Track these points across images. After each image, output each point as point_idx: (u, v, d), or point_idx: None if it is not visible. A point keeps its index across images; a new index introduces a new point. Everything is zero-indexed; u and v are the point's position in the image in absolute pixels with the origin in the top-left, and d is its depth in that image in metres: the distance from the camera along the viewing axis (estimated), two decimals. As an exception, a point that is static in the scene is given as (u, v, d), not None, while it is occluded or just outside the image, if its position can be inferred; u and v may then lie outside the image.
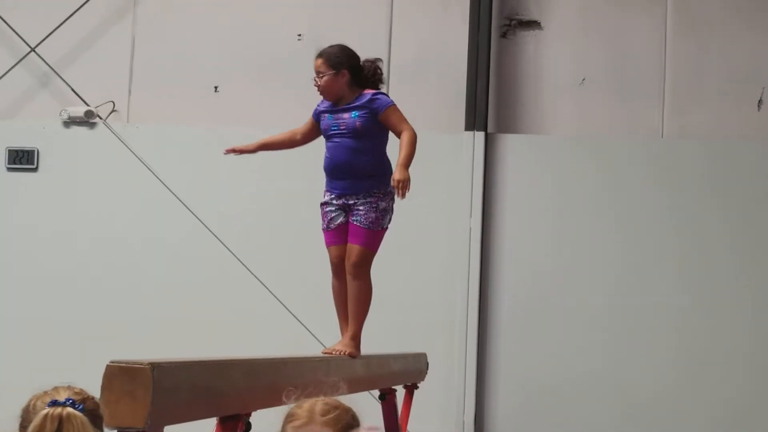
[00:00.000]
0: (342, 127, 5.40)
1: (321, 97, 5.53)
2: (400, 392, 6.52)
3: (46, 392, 2.92)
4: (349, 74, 5.42)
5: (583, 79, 8.77)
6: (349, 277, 5.42)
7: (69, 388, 2.90)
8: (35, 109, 9.04)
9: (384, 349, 7.01)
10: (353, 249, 5.38)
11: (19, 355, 8.64)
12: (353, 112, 5.40)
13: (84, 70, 9.03)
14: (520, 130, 8.75)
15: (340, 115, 5.43)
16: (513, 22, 8.87)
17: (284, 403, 3.22)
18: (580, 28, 8.81)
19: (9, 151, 8.90)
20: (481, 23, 8.66)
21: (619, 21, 8.79)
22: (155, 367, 2.81)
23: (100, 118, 8.94)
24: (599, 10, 8.81)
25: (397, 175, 5.23)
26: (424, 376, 6.94)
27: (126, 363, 2.78)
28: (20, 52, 9.00)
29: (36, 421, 2.51)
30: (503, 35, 8.85)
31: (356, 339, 5.45)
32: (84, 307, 8.68)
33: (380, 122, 5.40)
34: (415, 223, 8.56)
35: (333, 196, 5.43)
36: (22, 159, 8.90)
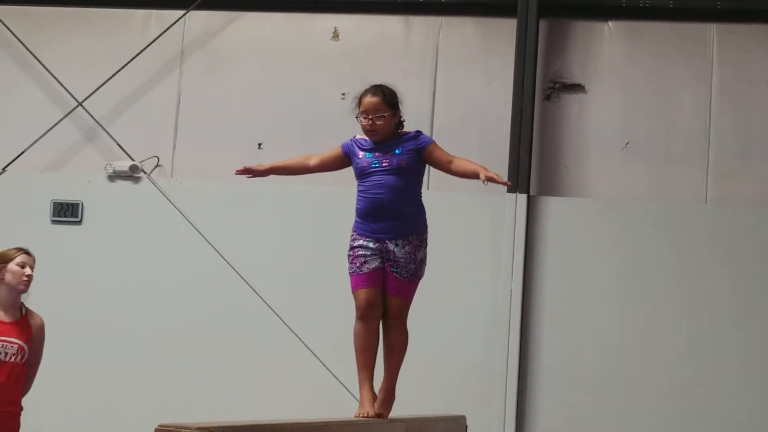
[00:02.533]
0: (384, 164, 5.24)
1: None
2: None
3: None
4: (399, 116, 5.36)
5: (627, 143, 8.76)
6: (387, 330, 5.36)
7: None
8: (81, 163, 9.13)
9: (422, 410, 6.97)
10: (394, 302, 5.32)
11: (65, 407, 8.65)
12: (397, 149, 5.27)
13: (130, 125, 9.12)
14: (563, 193, 8.74)
15: (383, 151, 5.28)
16: (557, 85, 8.89)
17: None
18: (623, 92, 8.81)
19: (54, 203, 8.98)
20: (525, 86, 8.67)
21: (663, 85, 8.79)
22: (203, 431, 2.81)
23: (145, 173, 9.01)
24: (643, 74, 8.81)
25: (488, 171, 5.09)
26: (463, 439, 6.89)
27: (174, 427, 2.78)
28: (67, 106, 9.10)
29: None
30: (547, 98, 8.87)
31: (391, 392, 5.41)
32: (125, 360, 8.70)
33: (420, 161, 5.30)
34: (456, 284, 8.54)
35: (369, 239, 5.26)
36: (67, 212, 8.98)
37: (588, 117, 8.81)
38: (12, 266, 5.92)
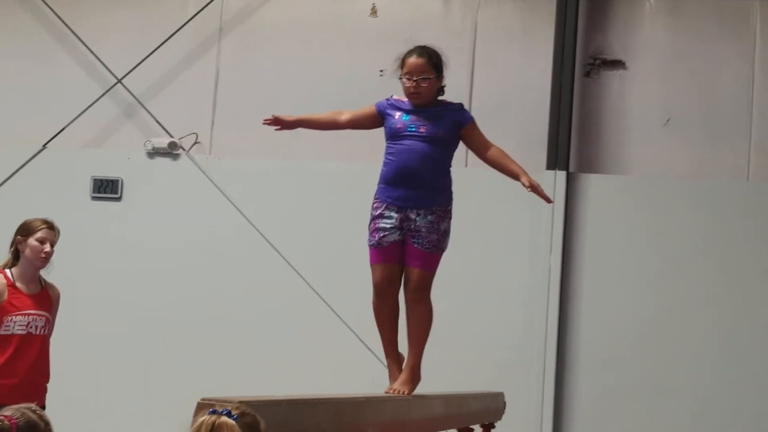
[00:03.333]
0: (421, 130, 4.99)
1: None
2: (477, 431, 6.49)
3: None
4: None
5: (668, 119, 8.70)
6: (409, 303, 5.08)
7: (237, 402, 2.98)
8: (120, 140, 9.17)
9: (461, 387, 6.98)
10: (414, 273, 5.04)
11: (108, 383, 8.72)
12: (437, 118, 5.02)
13: (168, 102, 9.15)
14: (603, 170, 8.70)
15: (422, 117, 5.02)
16: (597, 62, 8.83)
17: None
18: (664, 68, 8.74)
19: (94, 180, 9.03)
20: (565, 62, 8.63)
21: (704, 61, 8.72)
22: (244, 404, 2.81)
23: (184, 150, 9.05)
24: (685, 50, 8.75)
25: (533, 180, 4.99)
26: (501, 416, 6.89)
27: (216, 400, 2.78)
28: (107, 83, 9.14)
29: (193, 428, 2.66)
30: (587, 74, 8.82)
31: (416, 370, 5.07)
32: (162, 337, 8.76)
33: (457, 135, 5.09)
34: (496, 262, 8.54)
35: (391, 207, 5.01)
36: (107, 188, 9.03)
37: (628, 94, 8.76)
38: (32, 241, 5.90)
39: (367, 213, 7.88)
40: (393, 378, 5.11)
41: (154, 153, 9.06)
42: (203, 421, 2.64)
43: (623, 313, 8.47)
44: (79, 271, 8.87)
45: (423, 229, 4.99)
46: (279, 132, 9.10)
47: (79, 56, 9.25)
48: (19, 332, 5.80)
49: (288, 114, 5.25)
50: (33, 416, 3.25)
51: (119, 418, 8.65)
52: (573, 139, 8.69)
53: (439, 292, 8.44)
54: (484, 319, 8.52)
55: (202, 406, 2.74)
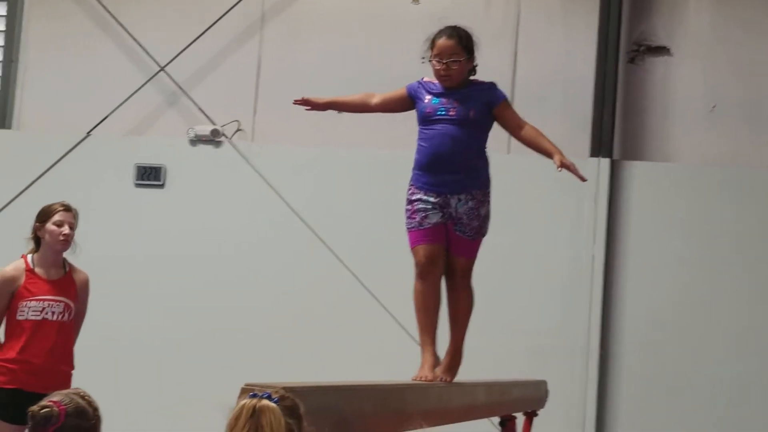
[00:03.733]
0: (452, 113, 4.85)
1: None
2: (520, 419, 6.46)
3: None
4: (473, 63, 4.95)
5: (714, 106, 8.62)
6: (452, 290, 5.02)
7: (280, 387, 2.98)
8: (163, 127, 9.21)
9: (504, 375, 6.96)
10: (458, 262, 4.97)
11: (150, 368, 8.78)
12: (468, 99, 4.88)
13: (211, 90, 9.17)
14: (647, 157, 8.63)
15: (452, 99, 4.88)
16: (641, 48, 8.76)
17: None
18: (710, 54, 8.66)
19: (138, 167, 9.07)
20: (609, 48, 8.57)
21: (751, 47, 8.62)
22: (289, 391, 2.81)
23: (226, 137, 9.07)
24: (730, 36, 8.65)
25: (566, 159, 4.83)
26: (544, 404, 6.86)
27: (260, 386, 2.78)
28: (150, 71, 9.18)
29: (234, 410, 2.65)
30: (631, 60, 8.75)
31: (458, 356, 4.98)
32: (205, 323, 8.79)
33: (490, 116, 4.94)
34: (538, 250, 8.51)
35: (429, 193, 4.87)
36: (150, 175, 9.07)
37: (673, 80, 8.68)
38: (49, 225, 5.88)
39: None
40: (422, 368, 4.92)
41: (197, 140, 9.10)
42: (244, 405, 2.64)
43: (667, 301, 8.42)
44: (122, 258, 8.93)
45: (464, 217, 4.89)
46: (321, 119, 9.10)
47: (123, 44, 9.29)
48: (33, 318, 5.79)
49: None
50: (82, 402, 3.27)
51: (162, 402, 8.69)
52: (617, 126, 8.63)
53: (481, 280, 8.40)
54: (527, 307, 8.49)
55: (245, 391, 2.75)
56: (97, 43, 9.34)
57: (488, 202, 4.98)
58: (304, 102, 5.17)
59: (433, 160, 4.86)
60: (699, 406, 8.31)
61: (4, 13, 9.49)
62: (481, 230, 4.98)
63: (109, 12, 9.24)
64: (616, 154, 8.60)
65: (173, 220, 9.01)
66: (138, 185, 9.09)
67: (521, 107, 8.55)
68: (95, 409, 3.31)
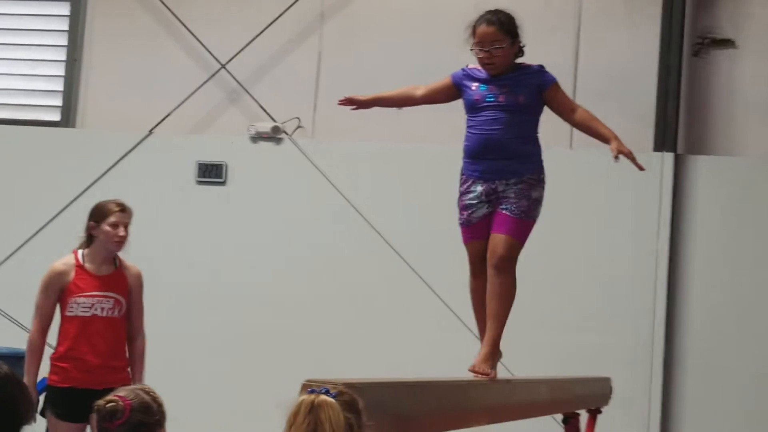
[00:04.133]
0: (500, 100, 4.72)
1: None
2: (584, 416, 6.41)
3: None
4: (519, 46, 4.80)
5: (780, 100, 8.50)
6: (492, 272, 4.68)
7: (341, 383, 2.98)
8: (224, 125, 9.25)
9: (567, 372, 6.91)
10: (500, 240, 4.67)
11: (212, 365, 8.82)
12: (516, 84, 4.75)
13: (271, 87, 9.19)
14: (712, 151, 8.53)
15: (500, 86, 4.75)
16: (706, 41, 8.65)
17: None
18: (776, 47, 8.54)
19: (199, 164, 9.12)
20: (672, 42, 8.48)
21: (818, 39, 8.49)
22: (349, 387, 2.80)
23: (286, 134, 9.09)
24: (797, 28, 8.53)
25: (624, 147, 4.68)
26: (608, 401, 6.80)
27: (321, 382, 2.77)
28: (211, 69, 9.22)
29: (293, 406, 2.67)
30: (695, 54, 8.64)
31: (495, 347, 4.67)
32: (265, 319, 8.82)
33: (540, 100, 4.80)
34: (602, 243, 8.45)
35: (477, 180, 4.77)
36: (212, 173, 9.11)
37: (739, 73, 8.56)
38: (105, 227, 5.82)
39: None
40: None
41: (258, 137, 9.12)
42: (303, 401, 2.65)
43: (732, 297, 8.32)
44: (185, 255, 8.98)
45: (512, 196, 4.69)
46: (381, 114, 9.07)
47: (184, 42, 9.34)
48: (83, 314, 5.75)
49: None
50: (146, 398, 3.30)
51: (225, 400, 8.73)
52: (681, 119, 8.54)
53: (544, 276, 8.39)
54: (591, 303, 8.43)
55: (306, 387, 2.74)
56: (158, 41, 9.40)
57: (542, 188, 4.79)
58: (348, 101, 5.10)
59: (483, 148, 4.76)
60: (765, 403, 8.20)
61: (68, 13, 9.57)
62: (529, 211, 4.72)
63: (170, 10, 9.29)
64: (680, 149, 8.51)
65: (235, 216, 9.04)
66: (199, 182, 9.13)
67: (583, 102, 8.47)
68: (159, 405, 3.34)
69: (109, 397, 3.28)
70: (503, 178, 4.72)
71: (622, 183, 8.39)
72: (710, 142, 8.58)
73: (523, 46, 4.85)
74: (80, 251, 5.88)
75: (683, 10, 8.51)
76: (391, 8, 9.15)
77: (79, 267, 5.82)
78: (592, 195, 8.53)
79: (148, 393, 3.35)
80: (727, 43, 8.61)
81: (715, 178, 8.43)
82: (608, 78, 8.68)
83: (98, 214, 5.88)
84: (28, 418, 2.92)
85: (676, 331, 8.35)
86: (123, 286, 5.88)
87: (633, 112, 8.59)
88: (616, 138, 4.74)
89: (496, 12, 4.78)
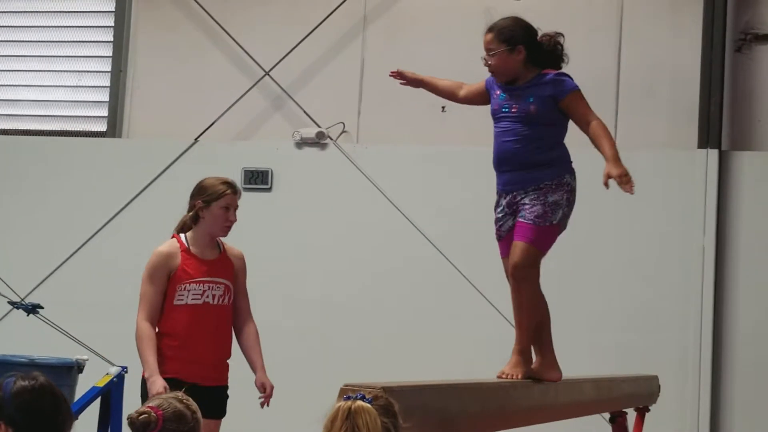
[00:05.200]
0: (513, 110, 4.70)
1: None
2: (631, 415, 6.39)
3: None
4: (526, 51, 4.72)
5: (823, 94, 8.43)
6: (511, 281, 4.69)
7: (379, 387, 3.00)
8: (269, 131, 9.30)
9: (614, 370, 6.90)
10: (515, 247, 4.62)
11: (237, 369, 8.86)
12: (530, 94, 4.68)
13: (315, 93, 9.24)
14: (757, 147, 8.47)
15: (514, 95, 4.73)
16: (748, 36, 8.59)
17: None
18: (820, 40, 8.47)
19: (245, 171, 9.18)
20: (715, 38, 8.43)
21: None
22: (387, 390, 2.83)
23: (331, 140, 9.13)
24: (841, 21, 8.45)
25: (613, 170, 4.52)
26: (656, 399, 6.79)
27: (359, 386, 2.81)
28: (255, 75, 9.28)
29: (330, 413, 2.70)
30: (738, 50, 8.58)
31: (524, 355, 4.62)
32: (312, 323, 8.85)
33: (556, 109, 4.71)
34: (647, 242, 8.42)
35: (502, 193, 4.78)
36: (257, 179, 9.17)
37: (782, 68, 8.51)
38: (215, 209, 5.35)
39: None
40: (540, 365, 4.76)
41: (302, 143, 9.17)
42: (340, 407, 2.68)
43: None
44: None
45: (527, 203, 4.64)
46: (426, 117, 9.11)
47: (228, 50, 9.42)
48: (194, 302, 5.27)
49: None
50: (179, 406, 3.26)
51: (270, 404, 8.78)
52: (725, 116, 8.48)
53: (591, 275, 8.37)
54: (637, 301, 8.39)
55: (344, 391, 2.78)
56: (202, 49, 9.48)
57: (564, 191, 4.68)
58: (398, 75, 5.19)
59: (500, 159, 4.78)
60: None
61: (112, 24, 9.68)
62: (545, 216, 4.62)
63: (213, 18, 9.37)
64: (724, 145, 8.46)
65: (281, 222, 9.09)
66: (246, 189, 9.16)
67: (627, 100, 8.59)
68: (194, 412, 3.31)
69: (141, 408, 3.25)
70: (522, 188, 4.69)
71: (667, 181, 8.36)
72: (754, 138, 8.52)
73: (559, 47, 4.81)
74: (182, 235, 5.38)
75: (725, 6, 8.46)
76: (433, 11, 9.17)
77: (185, 251, 5.32)
78: (637, 193, 8.45)
79: (181, 401, 3.31)
80: (769, 38, 8.57)
81: (759, 174, 8.37)
82: (651, 76, 8.65)
83: (208, 193, 5.39)
84: (65, 430, 2.93)
85: (724, 329, 8.30)
86: (230, 271, 5.46)
87: (677, 109, 8.56)
88: (612, 159, 4.60)
89: (503, 19, 4.83)
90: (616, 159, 4.58)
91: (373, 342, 8.72)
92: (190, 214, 5.41)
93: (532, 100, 4.68)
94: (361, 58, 9.24)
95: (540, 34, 4.82)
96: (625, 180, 4.57)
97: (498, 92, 4.82)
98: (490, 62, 4.75)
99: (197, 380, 5.15)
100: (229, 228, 5.43)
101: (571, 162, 4.78)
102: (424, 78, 5.16)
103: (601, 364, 7.55)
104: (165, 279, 5.26)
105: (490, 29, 4.78)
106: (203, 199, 5.38)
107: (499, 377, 4.52)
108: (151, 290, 5.28)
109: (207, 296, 5.32)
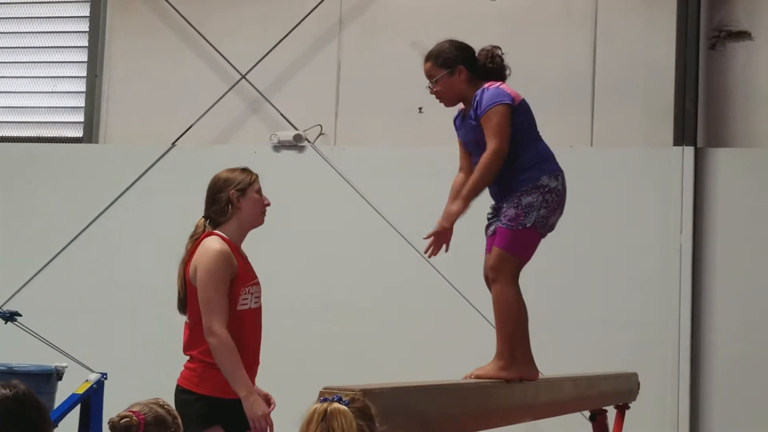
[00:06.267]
0: (473, 145, 4.62)
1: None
2: (611, 413, 6.41)
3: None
4: (467, 70, 4.65)
5: (798, 89, 8.49)
6: (489, 285, 4.64)
7: (359, 390, 3.00)
8: (247, 135, 9.30)
9: (593, 368, 6.91)
10: (493, 252, 4.59)
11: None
12: (474, 122, 4.55)
13: (292, 96, 9.24)
14: (732, 143, 8.52)
15: (467, 127, 4.63)
16: (722, 34, 8.64)
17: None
18: (792, 37, 8.53)
19: (223, 176, 9.15)
20: (689, 35, 8.47)
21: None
22: (367, 393, 2.83)
23: (309, 142, 9.13)
24: (813, 17, 8.51)
25: (437, 228, 4.60)
26: (636, 396, 6.81)
27: (338, 389, 2.81)
28: (232, 79, 9.27)
29: (306, 415, 2.69)
30: (712, 47, 8.63)
31: (503, 358, 4.51)
32: (292, 324, 8.84)
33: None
34: (625, 240, 8.44)
35: (492, 203, 4.73)
36: (236, 183, 9.14)
37: (755, 65, 8.55)
38: (252, 194, 4.94)
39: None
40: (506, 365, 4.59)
41: (280, 146, 9.17)
42: (315, 409, 2.68)
43: (757, 288, 8.29)
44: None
45: (504, 206, 4.56)
46: (403, 118, 9.11)
47: (204, 54, 9.41)
48: (255, 305, 4.92)
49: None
50: (161, 410, 3.29)
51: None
52: (700, 113, 8.53)
53: (568, 274, 8.40)
54: (616, 299, 8.42)
55: (323, 395, 2.78)
56: (178, 54, 9.47)
57: (538, 192, 4.54)
58: (437, 241, 4.83)
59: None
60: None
61: (87, 29, 9.66)
62: (518, 218, 4.52)
63: (189, 23, 9.35)
64: (700, 142, 8.50)
65: (260, 226, 9.07)
66: (224, 193, 9.17)
67: (603, 99, 8.62)
68: (174, 418, 3.34)
69: (123, 412, 3.27)
70: (505, 198, 4.59)
71: (643, 179, 8.40)
72: (729, 134, 8.57)
73: (499, 63, 4.72)
74: (223, 233, 4.84)
75: (699, 4, 8.51)
76: (408, 13, 9.18)
77: (235, 249, 4.84)
78: (614, 191, 8.53)
79: (162, 406, 3.34)
80: (743, 35, 8.60)
81: (735, 170, 8.42)
82: (627, 74, 8.68)
83: (238, 180, 4.95)
84: None
85: (702, 325, 8.33)
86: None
87: (652, 107, 8.60)
88: (451, 214, 4.58)
89: (438, 44, 4.74)
90: (462, 199, 4.52)
91: (351, 344, 8.72)
92: (222, 207, 4.90)
93: (476, 124, 4.55)
94: (337, 61, 9.25)
95: (477, 50, 4.75)
96: (434, 239, 4.62)
97: (460, 132, 4.74)
98: (435, 89, 4.68)
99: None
100: (264, 213, 5.00)
101: (552, 161, 4.69)
102: (461, 206, 4.67)
103: (580, 363, 7.57)
104: (229, 281, 4.73)
105: (426, 58, 4.71)
106: (236, 189, 4.92)
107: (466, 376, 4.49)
108: (220, 295, 4.69)
109: (260, 298, 4.98)
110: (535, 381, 4.67)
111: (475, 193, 4.52)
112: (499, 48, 4.78)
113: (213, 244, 4.72)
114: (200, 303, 4.65)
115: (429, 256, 4.71)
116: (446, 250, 4.68)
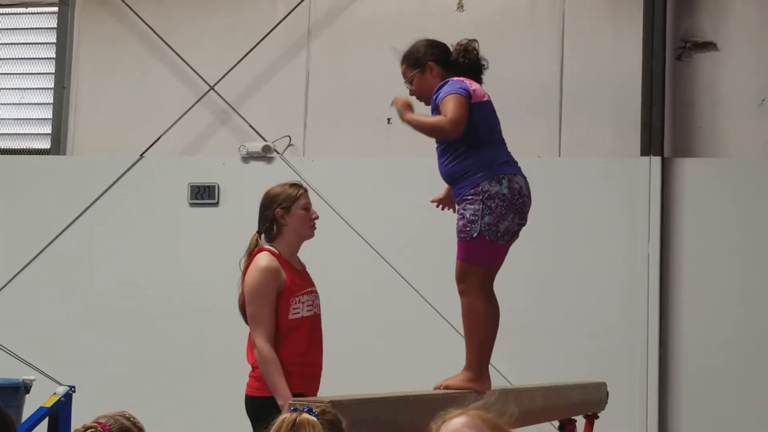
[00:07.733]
0: None
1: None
2: (580, 422, 6.44)
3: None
4: (439, 66, 4.74)
5: (763, 100, 8.55)
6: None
7: (327, 401, 3.01)
8: (215, 146, 9.29)
9: (563, 378, 6.94)
10: (456, 264, 4.68)
11: (200, 383, 8.83)
12: (432, 108, 4.69)
13: (261, 106, 9.24)
14: (698, 153, 8.58)
15: (433, 114, 4.72)
16: (688, 44, 8.71)
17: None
18: (757, 48, 8.59)
19: (191, 186, 9.16)
20: (655, 46, 8.53)
21: (799, 38, 8.55)
22: (336, 404, 2.84)
23: (277, 153, 9.13)
24: (777, 28, 8.59)
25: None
26: (604, 406, 6.84)
27: (308, 400, 2.82)
28: (200, 90, 9.26)
29: (275, 424, 2.70)
30: (678, 58, 8.70)
31: (473, 372, 4.58)
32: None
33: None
34: (593, 250, 8.48)
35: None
36: (204, 194, 9.15)
37: (721, 75, 8.62)
38: (297, 210, 5.15)
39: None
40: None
41: (249, 157, 9.17)
42: (284, 419, 2.69)
43: (724, 297, 8.35)
44: (179, 277, 9.01)
45: (456, 218, 4.65)
46: (372, 129, 9.12)
47: (172, 65, 9.39)
48: (308, 314, 5.12)
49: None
50: (127, 423, 3.29)
51: (214, 413, 8.76)
52: (667, 123, 8.59)
53: (537, 282, 8.43)
54: (584, 308, 8.46)
55: (293, 405, 2.78)
56: (146, 65, 9.45)
57: (478, 200, 4.57)
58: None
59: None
60: (762, 402, 8.22)
61: (54, 41, 9.62)
62: (465, 230, 4.57)
63: (157, 34, 9.34)
64: (667, 152, 8.56)
65: (228, 237, 9.05)
66: (192, 204, 9.17)
67: (570, 109, 8.66)
68: (140, 430, 3.34)
69: (89, 423, 3.27)
70: (459, 201, 4.66)
71: (610, 189, 8.45)
72: (696, 144, 8.63)
73: (472, 57, 4.79)
74: (271, 247, 5.13)
75: (665, 14, 8.58)
76: (376, 23, 9.20)
77: (286, 263, 5.11)
78: (581, 201, 8.57)
79: (128, 419, 3.34)
80: (708, 45, 8.67)
81: (702, 180, 8.47)
82: (594, 85, 8.73)
83: (283, 199, 5.16)
84: None
85: (670, 334, 8.38)
86: (312, 281, 5.31)
87: (619, 117, 8.65)
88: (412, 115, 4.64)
89: (410, 46, 4.85)
90: (412, 116, 4.63)
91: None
92: (268, 225, 5.19)
93: (437, 114, 4.61)
94: (306, 71, 9.26)
95: (453, 45, 4.81)
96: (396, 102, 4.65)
97: None
98: (412, 89, 4.77)
99: (315, 394, 5.01)
100: (314, 226, 5.26)
101: (495, 164, 4.66)
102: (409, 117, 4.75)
103: (548, 372, 7.60)
104: (275, 295, 5.04)
105: (401, 61, 4.82)
106: (281, 207, 5.16)
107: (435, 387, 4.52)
108: (266, 309, 5.04)
109: (315, 306, 5.20)
110: (506, 391, 4.72)
111: (416, 124, 4.61)
112: (476, 41, 4.82)
113: (260, 261, 5.05)
114: (248, 317, 5.08)
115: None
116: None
